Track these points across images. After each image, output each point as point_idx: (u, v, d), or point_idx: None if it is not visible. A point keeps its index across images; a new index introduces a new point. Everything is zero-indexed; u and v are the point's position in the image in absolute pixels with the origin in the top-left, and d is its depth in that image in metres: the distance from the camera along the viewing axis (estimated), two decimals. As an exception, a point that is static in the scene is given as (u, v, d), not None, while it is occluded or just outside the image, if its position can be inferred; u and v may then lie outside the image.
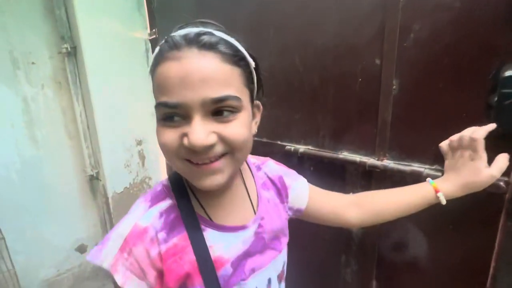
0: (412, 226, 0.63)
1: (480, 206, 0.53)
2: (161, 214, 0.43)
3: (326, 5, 0.68)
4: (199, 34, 0.36)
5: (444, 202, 0.50)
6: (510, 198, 0.49)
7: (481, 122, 0.48)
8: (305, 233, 0.86)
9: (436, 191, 0.50)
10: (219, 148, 0.37)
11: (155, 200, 0.44)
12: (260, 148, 0.94)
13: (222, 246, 0.43)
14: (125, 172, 1.49)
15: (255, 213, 0.48)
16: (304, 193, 0.57)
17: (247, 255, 0.46)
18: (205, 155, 0.37)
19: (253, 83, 0.42)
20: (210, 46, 0.36)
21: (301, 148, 0.80)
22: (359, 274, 0.76)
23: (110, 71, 1.37)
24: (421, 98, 0.56)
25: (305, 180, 0.59)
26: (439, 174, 0.55)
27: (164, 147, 0.38)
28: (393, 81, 0.59)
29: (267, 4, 0.81)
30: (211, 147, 0.36)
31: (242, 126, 0.38)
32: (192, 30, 0.37)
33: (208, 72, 0.35)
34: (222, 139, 0.37)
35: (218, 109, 0.36)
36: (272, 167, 0.57)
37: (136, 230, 0.41)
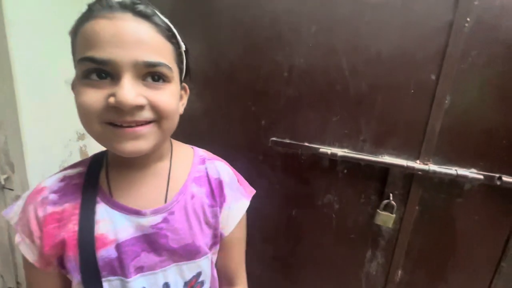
0: (445, 225, 0.75)
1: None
2: (64, 178, 0.43)
3: (389, 16, 0.70)
4: (134, 2, 0.36)
5: None
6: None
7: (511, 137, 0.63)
8: (330, 230, 0.88)
9: None
10: (146, 114, 0.37)
11: (69, 167, 0.45)
12: (279, 148, 0.88)
13: (110, 224, 0.41)
14: (61, 177, 1.07)
15: (165, 202, 0.44)
16: (236, 217, 0.51)
17: (136, 246, 0.41)
18: (131, 117, 0.36)
19: (182, 64, 0.43)
20: (145, 16, 0.36)
21: (339, 151, 0.80)
22: (384, 266, 0.84)
23: (42, 34, 0.95)
24: (469, 113, 0.67)
25: (247, 204, 0.54)
26: (475, 176, 0.68)
27: (84, 108, 0.35)
28: (447, 96, 0.68)
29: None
30: (139, 108, 0.36)
31: (172, 96, 0.39)
32: None
33: (142, 36, 0.35)
34: (151, 105, 0.37)
35: (150, 74, 0.37)
36: (219, 168, 0.51)
37: (35, 189, 0.42)
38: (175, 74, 0.40)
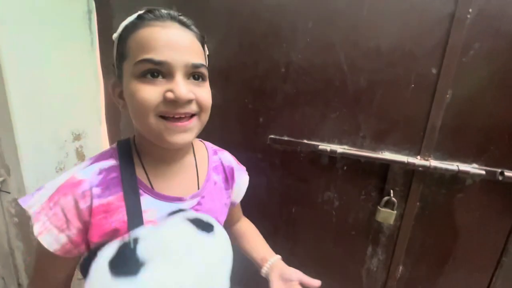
0: (446, 221, 0.74)
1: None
2: (100, 171, 0.45)
3: (387, 8, 0.68)
4: (178, 14, 0.44)
5: (263, 272, 0.63)
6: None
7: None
8: (330, 227, 0.87)
9: (263, 264, 0.63)
10: (193, 107, 0.43)
11: (99, 159, 0.47)
12: (278, 146, 0.87)
13: (155, 213, 0.46)
14: (57, 179, 1.06)
15: (198, 189, 0.53)
16: (243, 189, 0.66)
17: None
18: (183, 109, 0.42)
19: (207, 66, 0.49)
20: (187, 25, 0.44)
21: (338, 148, 0.79)
22: (385, 262, 0.84)
23: (34, 34, 0.92)
24: (471, 107, 0.66)
25: (248, 178, 0.67)
26: (477, 171, 0.66)
27: (143, 103, 0.40)
28: (448, 90, 0.66)
29: (309, -9, 0.74)
30: (189, 102, 0.42)
31: (209, 93, 0.47)
32: (170, 11, 0.43)
33: (189, 42, 0.42)
34: (196, 99, 0.43)
35: (194, 74, 0.43)
36: (228, 157, 0.63)
37: (71, 181, 0.43)
38: (207, 74, 0.47)
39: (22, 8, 0.88)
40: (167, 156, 0.49)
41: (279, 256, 0.66)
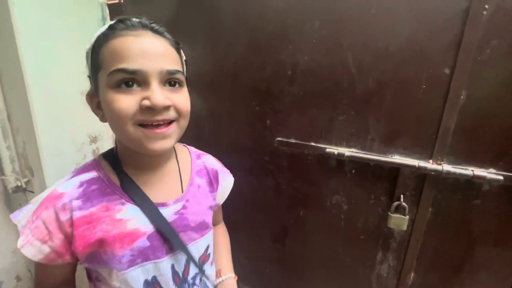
0: (462, 228, 0.71)
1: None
2: (81, 184, 0.46)
3: (397, 6, 0.65)
4: (150, 22, 0.44)
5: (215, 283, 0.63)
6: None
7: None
8: (339, 231, 0.86)
9: (217, 278, 0.63)
10: (171, 113, 0.44)
11: (80, 172, 0.48)
12: (285, 148, 0.86)
13: (139, 220, 0.47)
14: (76, 179, 1.11)
15: (182, 193, 0.53)
16: (227, 191, 0.66)
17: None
18: (160, 116, 0.42)
19: (185, 71, 0.50)
20: (160, 33, 0.44)
21: (346, 151, 0.77)
22: (396, 269, 0.81)
23: (53, 43, 0.97)
24: (487, 109, 0.62)
25: (232, 179, 0.68)
26: (494, 176, 0.63)
27: (120, 113, 0.40)
28: (462, 91, 0.63)
29: (315, -9, 0.73)
30: (166, 108, 0.43)
31: (187, 98, 0.47)
32: (141, 19, 0.43)
33: (163, 49, 0.43)
34: (173, 105, 0.44)
35: (170, 80, 0.44)
36: (211, 161, 0.64)
37: (52, 195, 0.45)
38: (185, 80, 0.48)
39: (42, 18, 0.93)
40: (148, 163, 0.50)
41: (233, 276, 0.66)
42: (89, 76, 0.48)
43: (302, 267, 0.96)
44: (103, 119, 0.47)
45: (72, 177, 0.48)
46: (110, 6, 1.10)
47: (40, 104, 0.96)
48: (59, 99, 1.02)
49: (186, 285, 0.53)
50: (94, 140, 1.16)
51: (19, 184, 1.07)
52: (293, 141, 0.85)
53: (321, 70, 0.77)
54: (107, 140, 1.22)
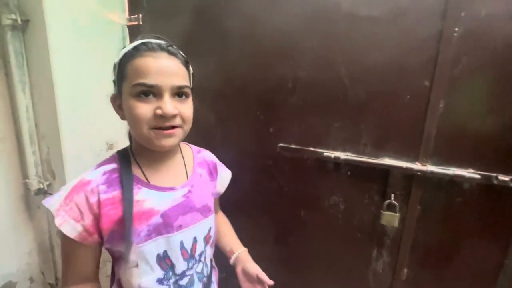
0: (448, 224, 0.78)
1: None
2: (104, 173, 0.57)
3: (382, 28, 0.76)
4: (167, 45, 0.55)
5: (231, 262, 0.75)
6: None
7: (505, 137, 0.66)
8: (337, 230, 0.92)
9: (231, 256, 0.75)
10: (177, 120, 0.54)
11: (102, 164, 0.59)
12: (287, 153, 0.95)
13: (153, 201, 0.57)
14: (93, 183, 1.20)
15: (187, 179, 0.64)
16: (226, 181, 0.78)
17: (176, 212, 0.59)
18: (169, 122, 0.53)
19: (192, 84, 0.61)
20: (174, 54, 0.55)
21: (342, 155, 0.85)
22: (391, 265, 0.87)
23: (80, 60, 1.09)
24: (464, 116, 0.71)
25: (230, 172, 0.80)
26: (472, 175, 0.71)
27: (139, 117, 0.52)
28: (441, 101, 0.72)
29: (312, 13, 0.84)
30: (174, 116, 0.53)
31: (191, 108, 0.58)
32: (160, 41, 0.55)
33: (175, 68, 0.54)
34: (179, 114, 0.54)
35: (178, 93, 0.54)
36: (209, 155, 0.76)
37: (81, 182, 0.54)
38: (190, 91, 0.58)
39: (72, 38, 1.06)
40: (158, 157, 0.60)
41: (245, 249, 0.77)
42: (114, 82, 0.59)
43: (304, 266, 1.02)
44: (123, 118, 0.58)
45: (96, 168, 0.58)
46: (130, 27, 1.23)
47: (66, 115, 1.07)
48: (81, 110, 1.13)
49: (193, 261, 0.62)
50: (110, 147, 1.26)
51: (42, 186, 1.16)
52: (294, 146, 0.94)
53: (318, 83, 0.87)
54: (121, 147, 1.31)
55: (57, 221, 0.52)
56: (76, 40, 1.07)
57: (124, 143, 1.33)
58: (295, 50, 0.88)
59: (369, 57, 0.79)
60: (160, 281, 0.57)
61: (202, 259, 0.65)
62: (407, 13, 0.73)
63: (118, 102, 0.58)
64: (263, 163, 1.00)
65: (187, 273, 0.61)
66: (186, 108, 0.56)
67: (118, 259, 0.59)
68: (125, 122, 0.57)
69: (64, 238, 0.54)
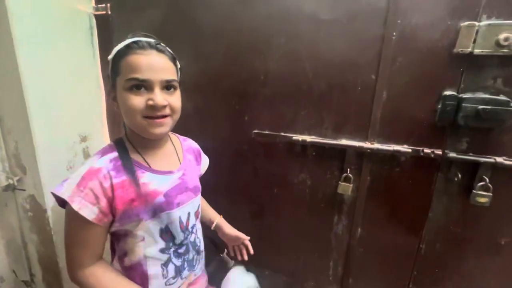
0: (389, 189, 0.98)
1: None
2: (111, 160, 0.63)
3: (338, 30, 0.90)
4: (156, 43, 0.62)
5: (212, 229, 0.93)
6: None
7: (429, 120, 0.87)
8: (305, 202, 1.09)
9: (211, 225, 0.93)
10: (167, 110, 0.62)
11: (104, 153, 0.65)
12: (261, 138, 1.07)
13: (156, 183, 0.65)
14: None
15: (180, 164, 0.74)
16: (206, 166, 0.92)
17: (175, 191, 0.68)
18: (159, 112, 0.60)
19: (179, 77, 0.69)
20: (162, 51, 0.62)
21: (308, 138, 1.00)
22: (348, 227, 1.06)
23: (43, 47, 1.06)
24: (400, 103, 0.90)
25: (208, 159, 0.94)
26: (406, 150, 0.90)
27: (133, 107, 0.59)
28: (384, 91, 0.90)
29: (280, 14, 0.95)
30: (164, 107, 0.61)
31: (179, 99, 0.66)
32: (150, 40, 0.62)
33: (164, 64, 0.61)
34: (169, 104, 0.62)
35: (167, 86, 0.62)
36: (193, 143, 0.87)
37: (91, 170, 0.60)
38: (178, 85, 0.67)
39: (36, 28, 1.03)
40: (153, 144, 0.68)
41: (220, 216, 0.95)
42: (108, 76, 0.65)
43: (277, 236, 1.18)
44: (117, 109, 0.65)
45: (101, 157, 0.63)
46: (97, 17, 1.21)
47: (36, 107, 1.05)
48: (52, 102, 1.11)
49: (188, 232, 0.73)
50: (84, 139, 1.25)
51: (11, 182, 1.12)
52: (267, 132, 1.07)
53: (287, 76, 0.99)
54: (95, 140, 1.31)
55: (75, 206, 0.57)
56: (42, 29, 1.04)
57: (98, 135, 1.34)
58: (265, 46, 0.99)
59: (328, 54, 0.93)
60: (162, 250, 0.66)
61: (194, 230, 0.76)
62: (358, 17, 0.88)
63: (112, 94, 0.64)
64: (240, 148, 1.11)
65: (184, 242, 0.71)
66: (174, 99, 0.63)
67: (123, 236, 0.66)
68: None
69: (78, 223, 0.59)
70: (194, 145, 0.86)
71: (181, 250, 0.70)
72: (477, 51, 0.77)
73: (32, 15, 1.01)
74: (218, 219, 0.92)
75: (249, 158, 1.12)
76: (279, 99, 1.03)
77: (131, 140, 0.68)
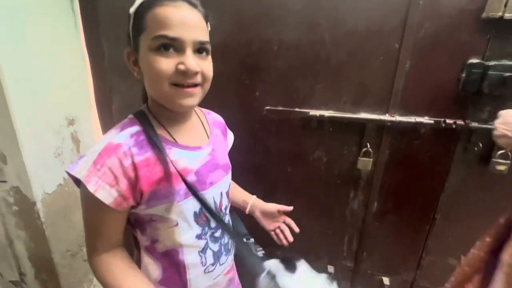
0: (408, 163, 0.97)
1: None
2: (132, 135, 0.53)
3: (360, -5, 0.84)
4: None
5: (247, 212, 0.83)
6: (459, 131, 0.90)
7: (451, 90, 0.85)
8: (320, 180, 1.06)
9: (246, 206, 0.82)
10: (198, 78, 0.51)
11: (124, 127, 0.54)
12: (273, 115, 1.01)
13: (185, 160, 0.57)
14: (57, 164, 1.05)
15: (208, 139, 0.65)
16: (231, 141, 0.80)
17: (206, 169, 0.60)
18: (191, 79, 0.50)
19: None
20: (194, 6, 0.51)
21: (326, 113, 0.96)
22: (364, 202, 1.06)
23: (21, 24, 0.89)
24: (423, 74, 0.87)
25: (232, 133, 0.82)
26: (428, 121, 0.89)
27: (160, 72, 0.48)
28: (407, 61, 0.86)
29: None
30: (196, 73, 0.50)
31: (211, 65, 0.55)
32: None
33: (197, 21, 0.50)
34: (201, 71, 0.51)
35: (200, 49, 0.51)
36: (218, 116, 0.77)
37: (110, 146, 0.50)
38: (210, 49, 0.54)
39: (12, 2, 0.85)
40: (178, 117, 0.59)
41: (254, 196, 0.84)
42: (129, 35, 0.53)
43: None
44: (138, 75, 0.54)
45: (120, 131, 0.53)
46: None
47: (15, 90, 0.89)
48: (34, 84, 0.95)
49: (222, 214, 0.66)
50: (71, 122, 1.11)
51: (-11, 174, 0.98)
52: (280, 108, 1.00)
53: (302, 46, 0.92)
54: (84, 123, 1.17)
55: (91, 188, 0.48)
56: (17, 4, 0.87)
57: (86, 117, 1.19)
58: (279, 12, 0.90)
59: (349, 21, 0.87)
60: (198, 236, 0.59)
61: (227, 211, 0.69)
62: (382, -18, 0.82)
63: (133, 58, 0.53)
64: (250, 127, 1.04)
65: (219, 225, 0.64)
66: (207, 66, 0.53)
67: (152, 222, 0.57)
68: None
69: (93, 207, 0.50)
70: (219, 118, 0.76)
71: (217, 234, 0.63)
72: (507, 15, 0.75)
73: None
74: (253, 199, 0.83)
75: (261, 137, 1.05)
76: (294, 72, 0.96)
77: (153, 112, 0.58)
